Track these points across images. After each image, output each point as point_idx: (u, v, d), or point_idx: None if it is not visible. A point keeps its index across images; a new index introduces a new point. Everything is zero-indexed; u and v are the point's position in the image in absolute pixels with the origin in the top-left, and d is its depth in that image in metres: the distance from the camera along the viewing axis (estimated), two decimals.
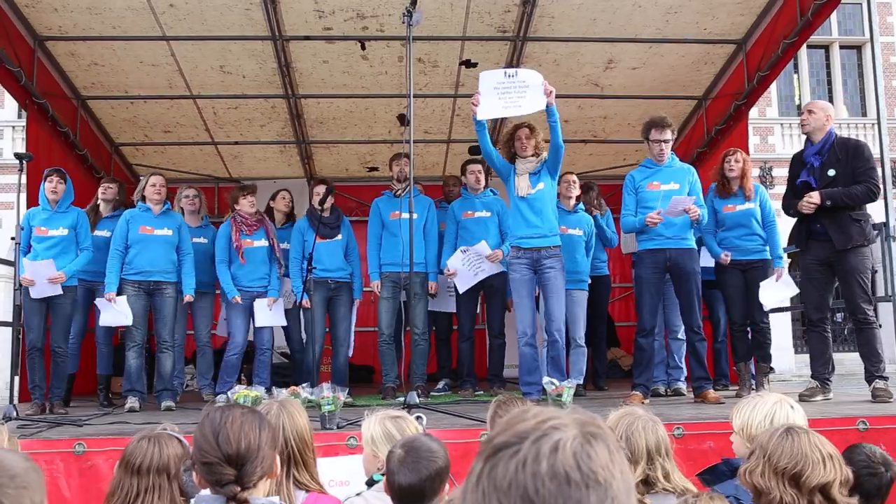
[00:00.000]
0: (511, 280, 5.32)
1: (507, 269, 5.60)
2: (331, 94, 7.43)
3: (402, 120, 6.84)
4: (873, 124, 15.79)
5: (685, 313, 5.27)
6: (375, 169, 8.61)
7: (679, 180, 5.20)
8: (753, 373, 5.68)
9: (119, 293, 5.60)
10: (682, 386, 5.96)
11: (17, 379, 5.11)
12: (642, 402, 4.90)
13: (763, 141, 17.35)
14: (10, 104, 14.83)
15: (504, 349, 6.12)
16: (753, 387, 5.47)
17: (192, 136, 8.09)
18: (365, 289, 6.32)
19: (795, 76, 18.23)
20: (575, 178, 6.26)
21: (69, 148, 7.15)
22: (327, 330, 6.19)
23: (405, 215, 4.91)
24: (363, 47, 6.44)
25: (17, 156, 5.30)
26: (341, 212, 6.31)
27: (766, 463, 1.93)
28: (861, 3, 16.05)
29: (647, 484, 2.30)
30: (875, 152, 5.01)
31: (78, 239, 5.63)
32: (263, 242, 6.04)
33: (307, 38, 6.51)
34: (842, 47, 18.27)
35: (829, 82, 18.31)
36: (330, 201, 5.99)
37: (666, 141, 5.22)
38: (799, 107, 17.33)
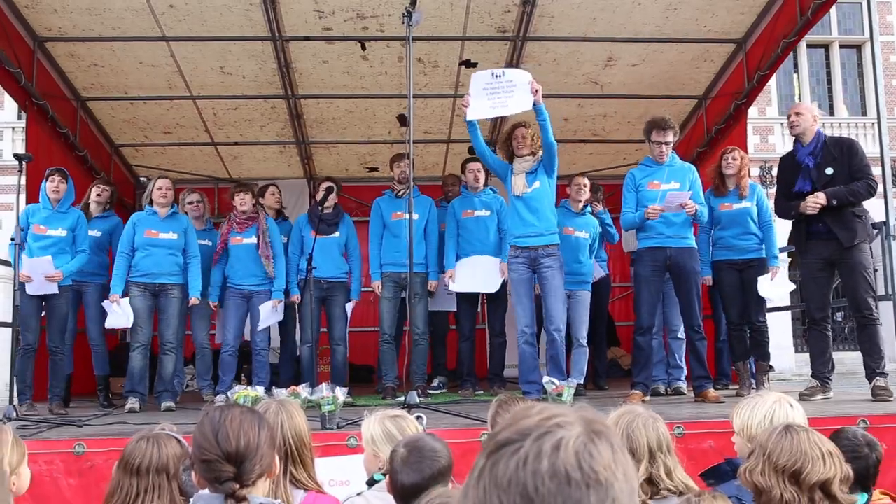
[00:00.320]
0: (510, 279, 5.32)
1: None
2: (331, 94, 7.42)
3: (402, 120, 6.84)
4: (873, 124, 15.79)
5: (685, 312, 5.26)
6: (375, 169, 8.60)
7: (680, 179, 5.19)
8: (753, 372, 5.69)
9: (122, 295, 5.60)
10: (683, 385, 5.95)
11: (16, 379, 5.11)
12: (642, 401, 4.88)
13: (763, 140, 17.36)
14: (10, 105, 14.81)
15: (504, 348, 6.12)
16: (754, 386, 5.47)
17: (192, 137, 8.08)
18: (366, 289, 6.32)
19: (795, 76, 18.24)
20: (586, 181, 6.14)
21: (69, 149, 7.14)
22: (323, 330, 6.18)
23: (407, 216, 4.91)
24: (363, 47, 6.44)
25: (17, 157, 5.28)
26: (342, 209, 6.29)
27: (766, 461, 1.92)
28: (861, 3, 16.08)
29: (650, 483, 2.28)
30: (875, 152, 5.02)
31: (76, 241, 5.64)
32: (253, 240, 6.02)
33: (307, 38, 6.50)
34: (841, 46, 18.27)
35: (829, 81, 18.32)
36: (333, 199, 5.99)
37: (667, 143, 5.20)
38: None
